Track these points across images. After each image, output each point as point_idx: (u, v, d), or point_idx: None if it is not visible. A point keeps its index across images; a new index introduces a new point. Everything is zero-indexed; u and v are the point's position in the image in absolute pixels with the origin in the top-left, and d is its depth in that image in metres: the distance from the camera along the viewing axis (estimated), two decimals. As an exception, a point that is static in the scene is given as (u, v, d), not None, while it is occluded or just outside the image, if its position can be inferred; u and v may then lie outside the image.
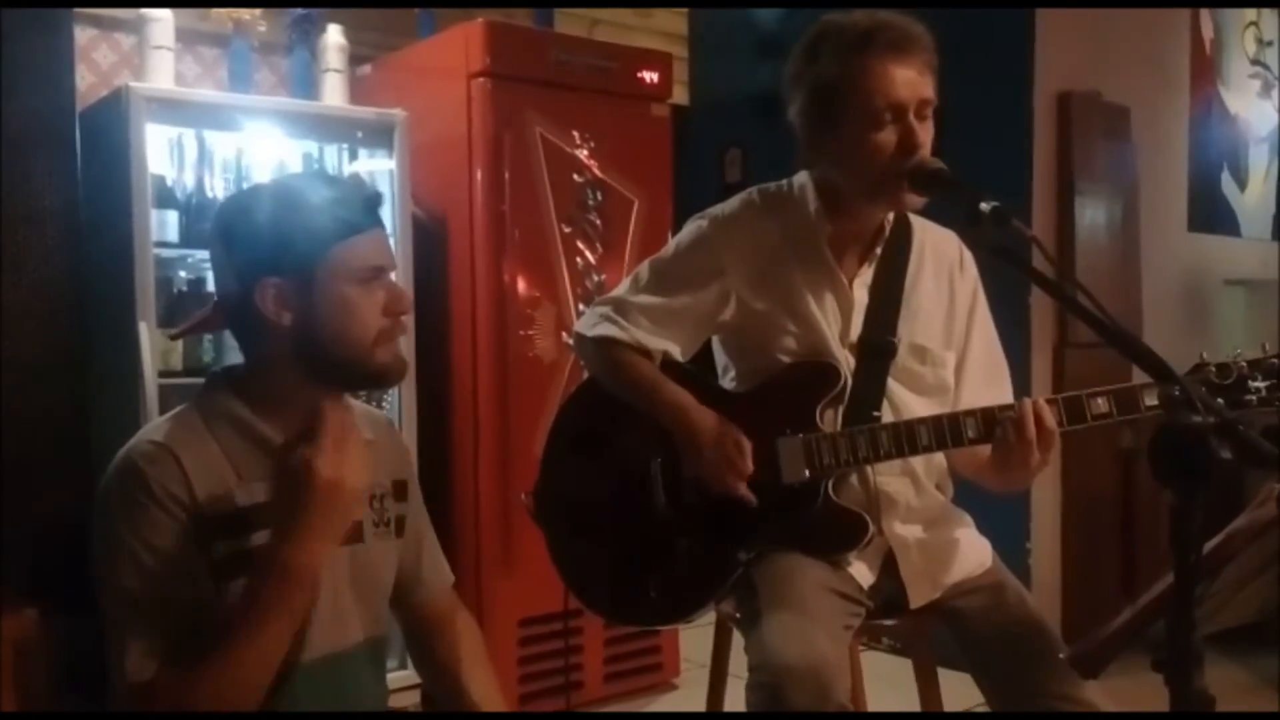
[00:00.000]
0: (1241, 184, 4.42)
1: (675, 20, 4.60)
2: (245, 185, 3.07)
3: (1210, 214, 4.25)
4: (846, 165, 1.76)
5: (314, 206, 1.37)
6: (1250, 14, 4.43)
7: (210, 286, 3.05)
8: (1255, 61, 4.46)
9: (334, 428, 1.35)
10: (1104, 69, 3.70)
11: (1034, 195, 3.50)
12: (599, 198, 3.32)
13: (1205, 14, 4.18)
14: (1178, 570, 1.06)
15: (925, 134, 1.71)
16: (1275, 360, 1.60)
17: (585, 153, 3.28)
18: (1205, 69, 4.20)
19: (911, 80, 1.69)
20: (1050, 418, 1.65)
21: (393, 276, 1.45)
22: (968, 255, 1.91)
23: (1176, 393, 1.06)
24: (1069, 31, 3.59)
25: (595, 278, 3.30)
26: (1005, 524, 3.45)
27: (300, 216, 1.36)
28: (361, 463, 1.37)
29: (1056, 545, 3.60)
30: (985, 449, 1.72)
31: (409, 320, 1.49)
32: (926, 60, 1.72)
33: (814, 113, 1.75)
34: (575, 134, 3.26)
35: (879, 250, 1.85)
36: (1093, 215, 3.61)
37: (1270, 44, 4.52)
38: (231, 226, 1.41)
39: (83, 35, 3.17)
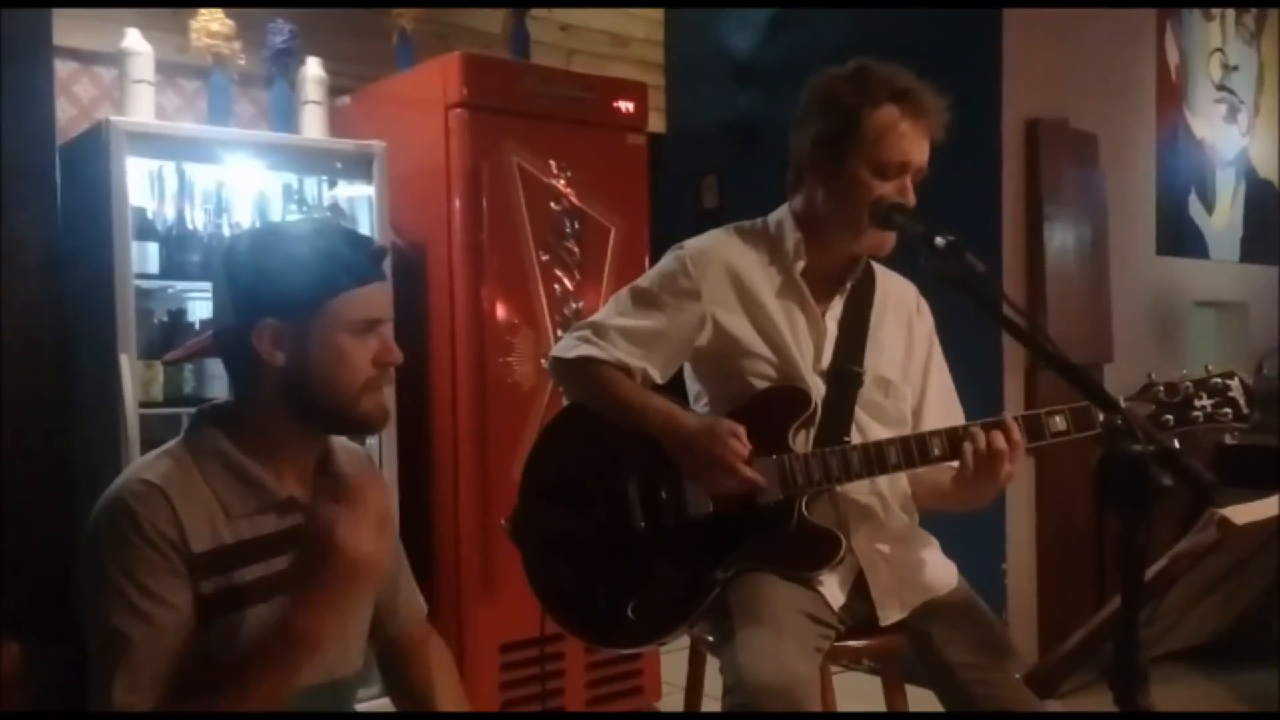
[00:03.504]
0: (1209, 207, 4.50)
1: (652, 49, 4.66)
2: (226, 217, 3.11)
3: (1179, 237, 4.33)
4: (838, 201, 1.83)
5: (321, 254, 1.40)
6: (1215, 40, 4.53)
7: (190, 317, 3.09)
8: (1221, 87, 4.55)
9: (367, 501, 1.35)
10: (1071, 97, 3.77)
11: (1003, 221, 3.56)
12: (576, 226, 3.36)
13: (1171, 41, 4.27)
14: (1124, 591, 1.10)
15: (912, 195, 1.81)
16: (1218, 380, 1.71)
17: (562, 182, 3.33)
18: (1172, 95, 4.29)
19: (923, 149, 1.81)
20: (1016, 430, 1.72)
21: (388, 328, 1.48)
22: (924, 303, 2.02)
23: (1119, 422, 1.10)
24: (1036, 60, 3.67)
25: (573, 304, 3.34)
26: (981, 546, 3.50)
27: (307, 262, 1.40)
28: (386, 540, 1.38)
29: (1033, 566, 3.65)
30: (947, 480, 1.80)
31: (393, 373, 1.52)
32: (935, 132, 1.83)
33: (827, 141, 1.82)
34: (552, 163, 3.31)
35: (849, 285, 1.92)
36: (1062, 240, 3.67)
37: (1235, 69, 4.61)
38: (239, 262, 1.44)
39: (63, 68, 3.20)
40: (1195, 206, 4.42)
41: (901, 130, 1.77)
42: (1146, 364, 3.81)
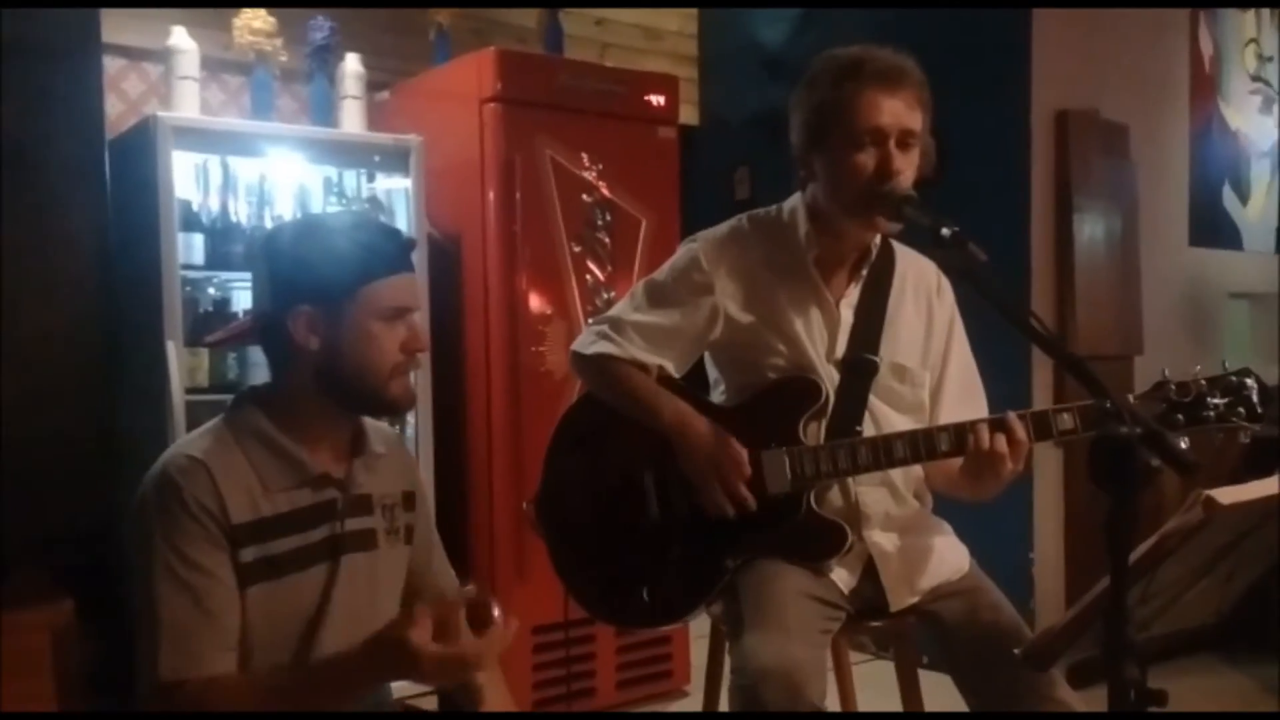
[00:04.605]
0: (1243, 198, 4.47)
1: (685, 43, 4.71)
2: (268, 209, 3.21)
3: (1212, 228, 4.31)
4: (829, 183, 1.87)
5: (354, 245, 1.49)
6: (1250, 30, 4.50)
7: (234, 306, 3.19)
8: (1256, 78, 4.52)
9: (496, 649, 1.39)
10: (1102, 88, 3.77)
11: (1033, 212, 3.57)
12: (607, 218, 3.43)
13: (1205, 32, 4.25)
14: (1113, 566, 1.14)
15: (904, 162, 1.81)
16: (1233, 378, 1.69)
17: (594, 174, 3.39)
18: (1205, 86, 4.27)
19: (894, 109, 1.80)
20: (1020, 430, 1.74)
21: (417, 317, 1.56)
22: (945, 283, 2.02)
23: (1109, 406, 1.15)
24: (1066, 51, 3.67)
25: (604, 295, 3.40)
26: (1008, 535, 3.53)
27: (340, 252, 1.48)
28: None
29: (1060, 555, 3.66)
30: (957, 464, 1.82)
31: (424, 357, 1.60)
32: (914, 93, 1.83)
33: (806, 134, 1.88)
34: (584, 156, 3.37)
35: (864, 272, 1.95)
36: (1091, 231, 3.68)
37: (1270, 60, 4.58)
38: (276, 252, 1.53)
39: (112, 65, 3.30)
40: (1229, 197, 4.40)
41: (865, 98, 1.79)
42: (1178, 356, 3.80)
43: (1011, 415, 1.75)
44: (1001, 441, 1.73)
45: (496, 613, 1.37)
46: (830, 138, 1.83)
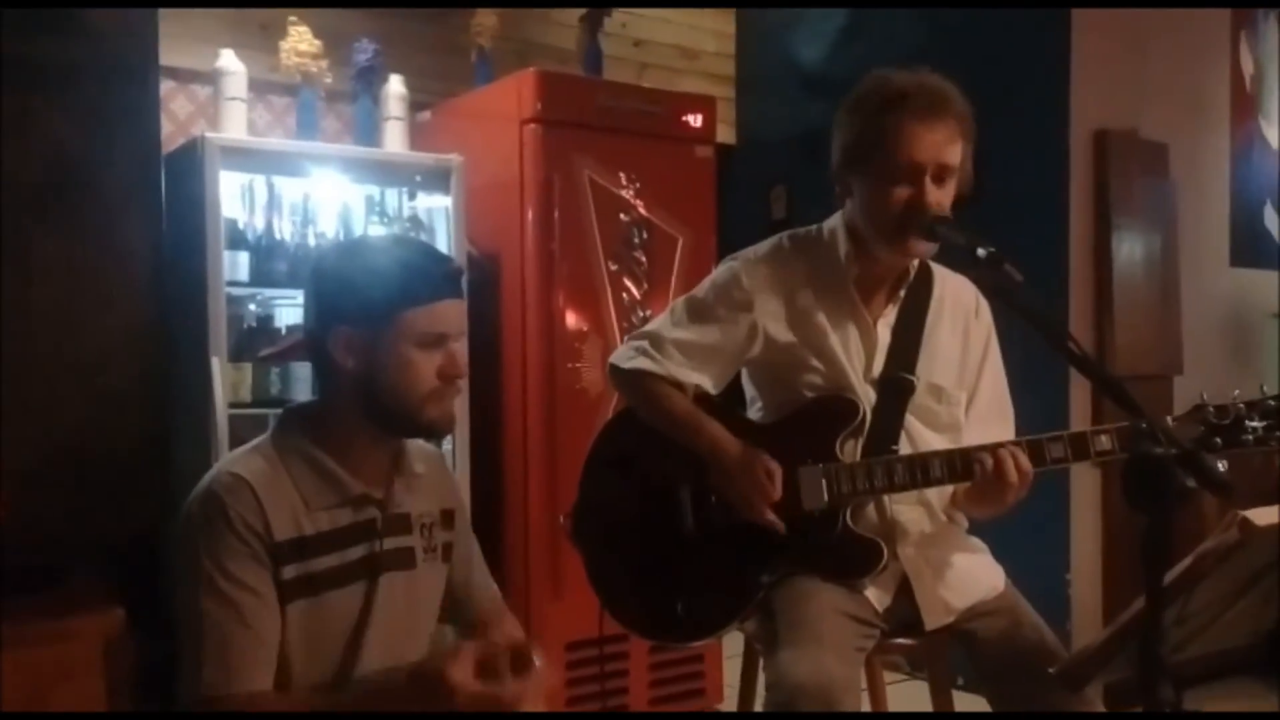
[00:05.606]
0: (1286, 218, 4.44)
1: (722, 63, 4.75)
2: (311, 227, 3.26)
3: (1253, 248, 4.28)
4: (864, 210, 1.89)
5: (395, 269, 1.50)
6: (1291, 50, 4.47)
7: (277, 323, 3.24)
8: (1298, 97, 4.49)
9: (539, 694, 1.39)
10: (1141, 107, 3.76)
11: (1071, 231, 3.57)
12: (644, 236, 3.46)
13: (1245, 50, 4.23)
14: (1149, 587, 1.15)
15: (939, 195, 1.82)
16: (1272, 402, 1.68)
17: (631, 193, 3.42)
18: (1246, 105, 4.24)
19: (933, 144, 1.81)
20: (1025, 461, 1.76)
21: (459, 343, 1.57)
22: (984, 304, 2.03)
23: (1143, 426, 1.16)
24: (1105, 70, 3.67)
25: (641, 313, 3.43)
26: (1046, 555, 3.51)
27: (380, 276, 1.50)
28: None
29: (1098, 576, 3.63)
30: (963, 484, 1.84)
31: (463, 384, 1.61)
32: (954, 125, 1.83)
33: (845, 156, 1.90)
34: (622, 175, 3.41)
35: (903, 293, 1.97)
36: (1130, 250, 3.66)
37: (1313, 79, 4.54)
38: (321, 271, 1.57)
39: (162, 87, 3.36)
40: (1271, 217, 4.36)
41: (905, 131, 1.80)
42: (1219, 376, 3.79)
43: (1012, 448, 1.77)
44: (1009, 469, 1.74)
45: (538, 661, 1.38)
46: (867, 165, 1.85)
